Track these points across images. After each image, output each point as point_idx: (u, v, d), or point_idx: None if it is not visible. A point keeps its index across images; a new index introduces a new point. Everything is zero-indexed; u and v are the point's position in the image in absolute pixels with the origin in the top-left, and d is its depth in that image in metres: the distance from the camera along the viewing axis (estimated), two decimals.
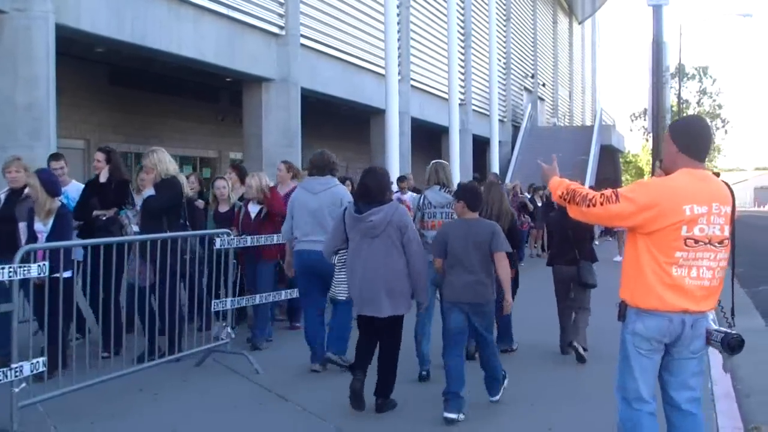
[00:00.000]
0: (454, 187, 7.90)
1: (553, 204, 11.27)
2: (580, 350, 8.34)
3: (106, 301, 7.32)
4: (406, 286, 6.51)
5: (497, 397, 6.81)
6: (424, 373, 7.67)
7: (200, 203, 10.02)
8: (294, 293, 9.10)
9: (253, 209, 9.24)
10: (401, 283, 6.47)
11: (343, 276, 6.93)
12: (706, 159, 4.35)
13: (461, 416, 6.30)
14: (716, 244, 4.11)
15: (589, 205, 4.27)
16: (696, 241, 4.06)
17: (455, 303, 6.50)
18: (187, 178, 10.52)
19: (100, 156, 8.74)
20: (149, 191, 8.17)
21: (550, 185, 4.67)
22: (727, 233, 4.15)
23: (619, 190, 4.26)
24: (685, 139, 4.23)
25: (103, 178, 8.61)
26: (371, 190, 6.57)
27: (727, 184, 4.36)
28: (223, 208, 9.97)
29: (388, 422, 6.40)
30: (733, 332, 4.18)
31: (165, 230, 7.82)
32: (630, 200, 4.13)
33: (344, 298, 6.99)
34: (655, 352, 4.22)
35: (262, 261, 9.08)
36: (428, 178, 8.18)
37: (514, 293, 7.62)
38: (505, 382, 6.90)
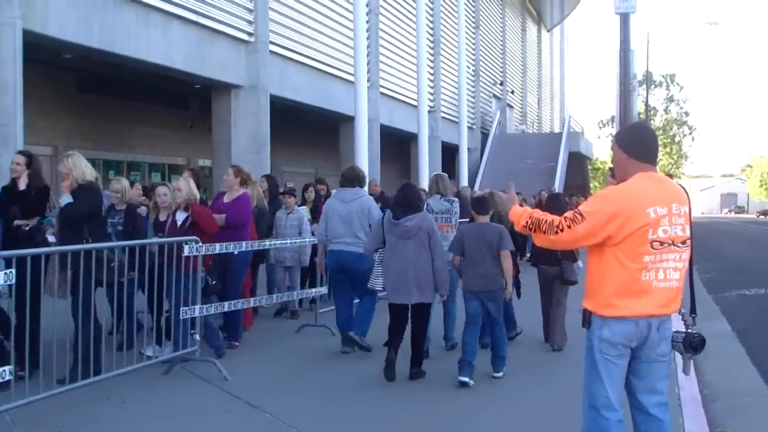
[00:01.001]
0: (451, 195, 9.70)
1: None
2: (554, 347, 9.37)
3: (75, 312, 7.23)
4: (432, 279, 7.79)
5: (501, 374, 7.90)
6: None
7: (143, 210, 9.48)
8: (240, 304, 9.05)
9: (180, 217, 8.57)
10: (428, 277, 7.77)
11: (380, 270, 8.21)
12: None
13: (471, 382, 7.52)
14: (679, 245, 4.13)
15: (556, 232, 4.21)
16: (661, 243, 4.07)
17: (472, 291, 7.88)
18: (131, 186, 10.22)
19: (20, 159, 7.97)
20: (67, 198, 7.68)
21: (511, 215, 4.55)
22: (688, 233, 4.17)
23: (579, 208, 4.21)
24: (634, 144, 4.25)
25: (22, 185, 7.91)
26: (410, 201, 7.90)
27: (681, 186, 4.39)
28: (164, 217, 8.94)
29: (356, 427, 6.42)
30: (694, 332, 4.21)
31: (86, 239, 7.42)
32: (597, 214, 4.10)
33: (381, 288, 8.32)
34: (621, 358, 4.20)
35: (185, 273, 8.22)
36: (430, 188, 9.74)
37: (518, 287, 9.56)
38: (504, 368, 7.95)
